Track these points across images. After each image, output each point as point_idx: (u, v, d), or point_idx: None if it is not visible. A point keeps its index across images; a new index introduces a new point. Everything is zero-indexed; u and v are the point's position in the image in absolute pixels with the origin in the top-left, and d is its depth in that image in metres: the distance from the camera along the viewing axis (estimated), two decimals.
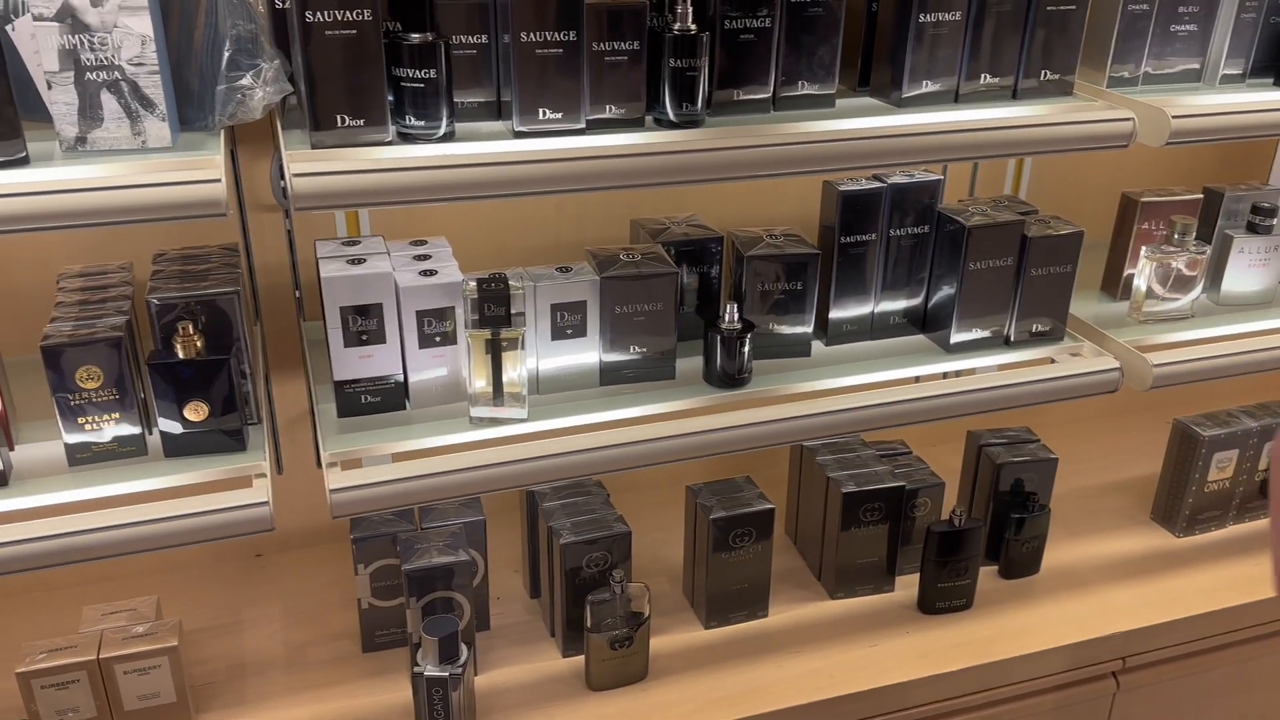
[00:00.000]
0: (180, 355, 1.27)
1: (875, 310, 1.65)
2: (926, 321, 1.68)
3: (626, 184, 1.29)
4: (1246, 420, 1.93)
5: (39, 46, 1.16)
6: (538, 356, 1.47)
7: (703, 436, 1.46)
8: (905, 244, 1.62)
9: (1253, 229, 1.79)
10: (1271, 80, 1.69)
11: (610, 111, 1.35)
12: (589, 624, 1.56)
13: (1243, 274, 1.82)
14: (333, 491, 1.30)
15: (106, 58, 1.17)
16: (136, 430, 1.31)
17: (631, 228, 1.70)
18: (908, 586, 1.82)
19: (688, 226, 1.64)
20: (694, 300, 1.62)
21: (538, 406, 1.46)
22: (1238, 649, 1.86)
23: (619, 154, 1.28)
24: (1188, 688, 1.87)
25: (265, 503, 1.26)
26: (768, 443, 1.50)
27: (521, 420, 1.42)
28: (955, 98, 1.52)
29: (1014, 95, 1.54)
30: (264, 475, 1.31)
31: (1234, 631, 1.84)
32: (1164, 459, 1.98)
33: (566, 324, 1.46)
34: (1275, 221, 1.79)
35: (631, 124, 1.36)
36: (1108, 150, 1.51)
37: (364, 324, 1.38)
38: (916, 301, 1.66)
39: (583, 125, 1.33)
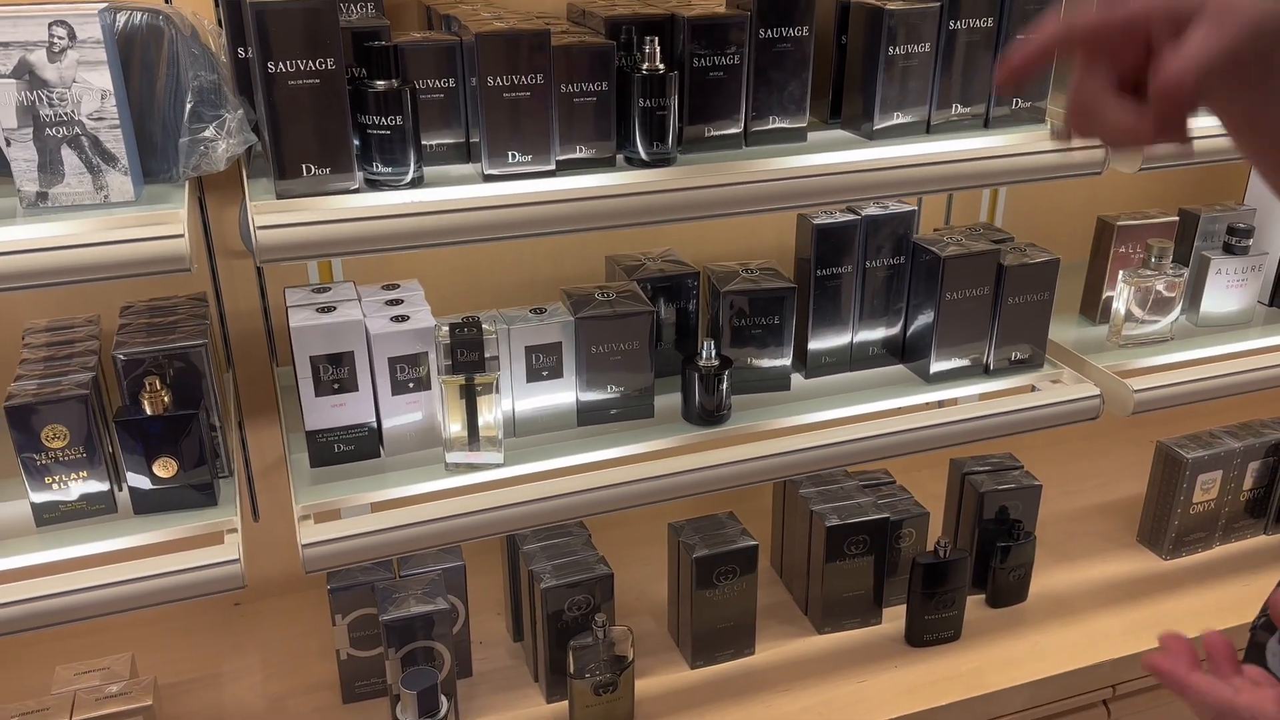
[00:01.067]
0: (148, 411, 1.25)
1: (854, 341, 1.64)
2: (905, 351, 1.67)
3: (599, 226, 1.28)
4: (1229, 441, 1.92)
5: None
6: (513, 399, 1.46)
7: (683, 476, 1.44)
8: (881, 275, 1.61)
9: (1229, 250, 1.79)
10: None
11: (580, 152, 1.34)
12: (571, 670, 1.54)
13: (1221, 294, 1.82)
14: (305, 546, 1.27)
15: (66, 113, 1.15)
16: (105, 487, 1.29)
17: (607, 264, 1.69)
18: (895, 618, 1.80)
19: (663, 262, 1.63)
20: (671, 335, 1.61)
21: (515, 450, 1.44)
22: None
23: (590, 196, 1.27)
24: (1180, 714, 1.85)
25: (236, 560, 1.24)
26: (749, 480, 1.48)
27: (498, 465, 1.40)
28: (927, 128, 1.51)
29: (986, 124, 1.54)
30: (235, 530, 1.29)
31: None
32: (1148, 481, 1.97)
33: (542, 366, 1.45)
34: (1251, 242, 1.79)
35: (602, 164, 1.35)
36: (1079, 179, 1.51)
37: (335, 372, 1.36)
38: (895, 331, 1.65)
39: (553, 167, 1.32)
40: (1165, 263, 1.71)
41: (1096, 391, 1.60)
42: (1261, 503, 2.00)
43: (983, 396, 1.63)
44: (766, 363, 1.57)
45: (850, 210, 1.59)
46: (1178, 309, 1.75)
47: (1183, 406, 1.67)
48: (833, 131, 1.53)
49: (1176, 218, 1.81)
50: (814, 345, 1.62)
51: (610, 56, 1.31)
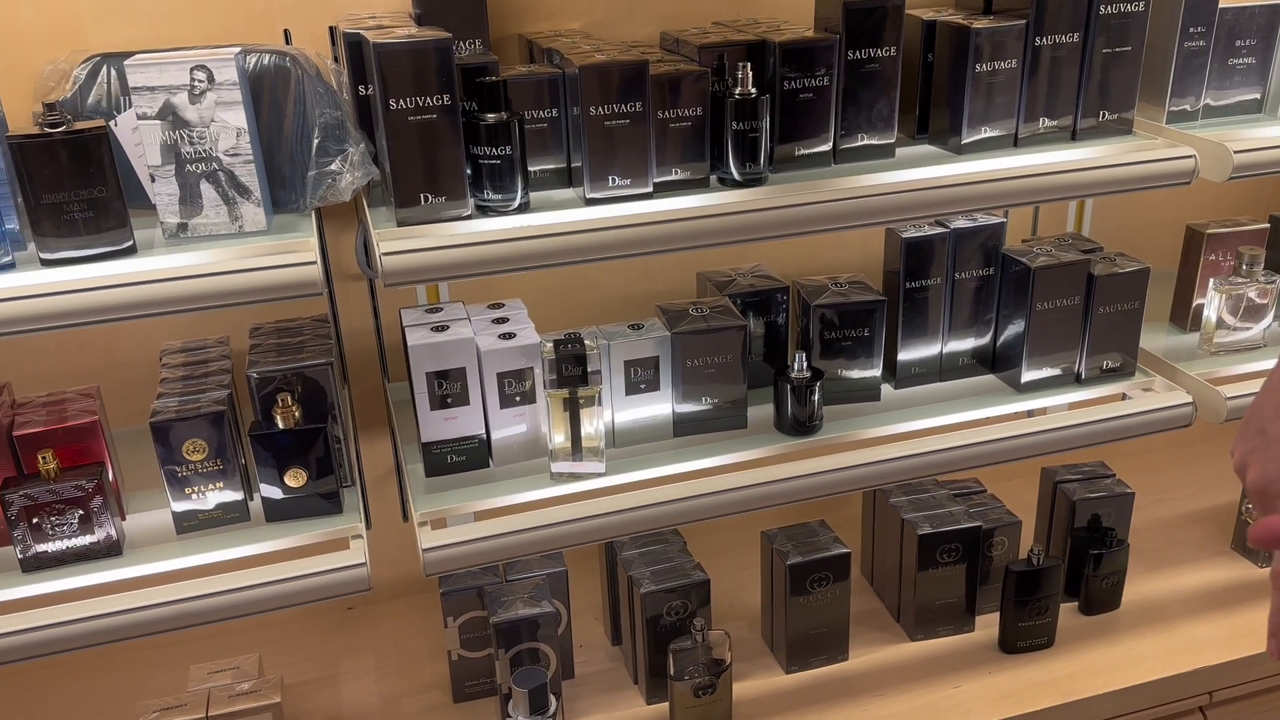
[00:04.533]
0: (280, 425, 1.34)
1: (943, 352, 1.67)
2: (996, 361, 1.69)
3: (695, 245, 1.34)
4: None
5: (142, 141, 1.24)
6: (613, 411, 1.52)
7: (777, 485, 1.49)
8: (970, 286, 1.64)
9: None
10: None
11: (676, 174, 1.40)
12: (672, 672, 1.59)
13: None
14: (425, 551, 1.35)
15: (205, 150, 1.25)
16: (239, 497, 1.38)
17: (698, 280, 1.75)
18: (988, 626, 1.82)
19: (753, 277, 1.68)
20: (762, 349, 1.66)
21: (615, 460, 1.50)
22: None
23: (687, 217, 1.33)
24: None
25: (363, 564, 1.32)
26: (840, 489, 1.52)
27: (600, 474, 1.47)
28: (1014, 142, 1.54)
29: (1073, 136, 1.57)
30: (360, 536, 1.37)
31: None
32: (1242, 490, 1.95)
33: (640, 379, 1.51)
34: None
35: (697, 185, 1.41)
36: (1171, 188, 1.52)
37: (448, 387, 1.44)
38: (984, 342, 1.68)
39: (650, 189, 1.38)
40: (1257, 270, 1.71)
41: (1189, 399, 1.61)
42: None
43: (1072, 406, 1.65)
44: (856, 374, 1.61)
45: (939, 224, 1.63)
46: (1270, 316, 1.74)
47: None
48: (920, 147, 1.57)
49: (1268, 225, 1.80)
50: (904, 356, 1.65)
51: (705, 83, 1.37)
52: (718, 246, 1.36)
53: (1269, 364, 1.74)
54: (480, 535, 1.38)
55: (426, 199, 1.29)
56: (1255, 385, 1.65)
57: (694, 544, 1.76)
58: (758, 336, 1.65)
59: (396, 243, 1.23)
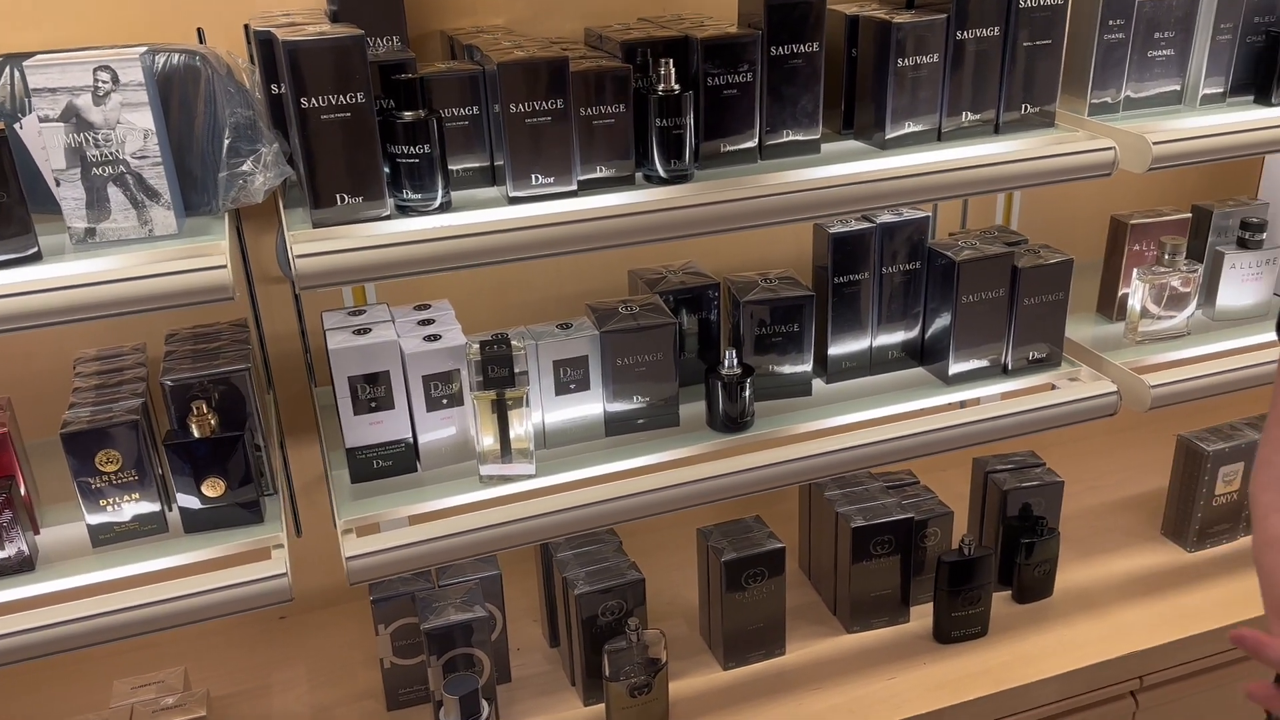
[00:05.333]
0: (196, 434, 1.31)
1: (873, 346, 1.68)
2: (925, 354, 1.70)
3: (621, 243, 1.33)
4: (1250, 433, 1.94)
5: (46, 144, 1.20)
6: (543, 411, 1.51)
7: (709, 483, 1.48)
8: (898, 280, 1.65)
9: (1243, 244, 1.82)
10: (1251, 98, 1.72)
11: (601, 171, 1.39)
12: (607, 673, 1.58)
13: (1236, 289, 1.84)
14: (349, 559, 1.33)
15: (111, 153, 1.21)
16: (156, 508, 1.35)
17: (630, 278, 1.74)
18: (923, 616, 1.84)
19: (684, 275, 1.67)
20: (694, 345, 1.65)
21: (546, 461, 1.48)
22: (1256, 662, 1.86)
23: (612, 215, 1.32)
24: (1207, 703, 1.88)
25: (284, 574, 1.29)
26: (774, 485, 1.52)
27: (530, 476, 1.45)
28: (938, 136, 1.55)
29: (996, 130, 1.58)
30: (281, 546, 1.34)
31: None
32: (1171, 475, 1.99)
33: (569, 379, 1.49)
34: (1265, 236, 1.81)
35: (622, 182, 1.40)
36: (1092, 180, 1.54)
37: (372, 391, 1.41)
38: (913, 335, 1.69)
39: (574, 187, 1.37)
40: (1179, 260, 1.74)
41: (1114, 388, 1.63)
42: None
43: (1004, 396, 1.66)
44: (788, 369, 1.61)
45: (865, 219, 1.63)
46: (1193, 304, 1.78)
47: (1202, 400, 1.70)
48: (846, 142, 1.57)
49: (1189, 214, 1.83)
50: (834, 350, 1.66)
51: (627, 80, 1.36)
52: (644, 244, 1.35)
53: (1192, 352, 1.77)
54: (406, 541, 1.36)
55: (343, 199, 1.26)
56: (1179, 373, 1.68)
57: (630, 543, 1.76)
58: (690, 334, 1.64)
59: (311, 244, 1.20)
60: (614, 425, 1.54)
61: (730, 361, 1.53)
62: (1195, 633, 1.80)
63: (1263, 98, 1.70)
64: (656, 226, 1.34)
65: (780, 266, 1.69)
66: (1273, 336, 1.80)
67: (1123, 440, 2.33)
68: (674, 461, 1.51)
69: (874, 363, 1.69)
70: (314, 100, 1.21)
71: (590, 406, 1.52)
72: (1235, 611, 1.83)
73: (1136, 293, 1.75)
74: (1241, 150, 1.61)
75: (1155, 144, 1.52)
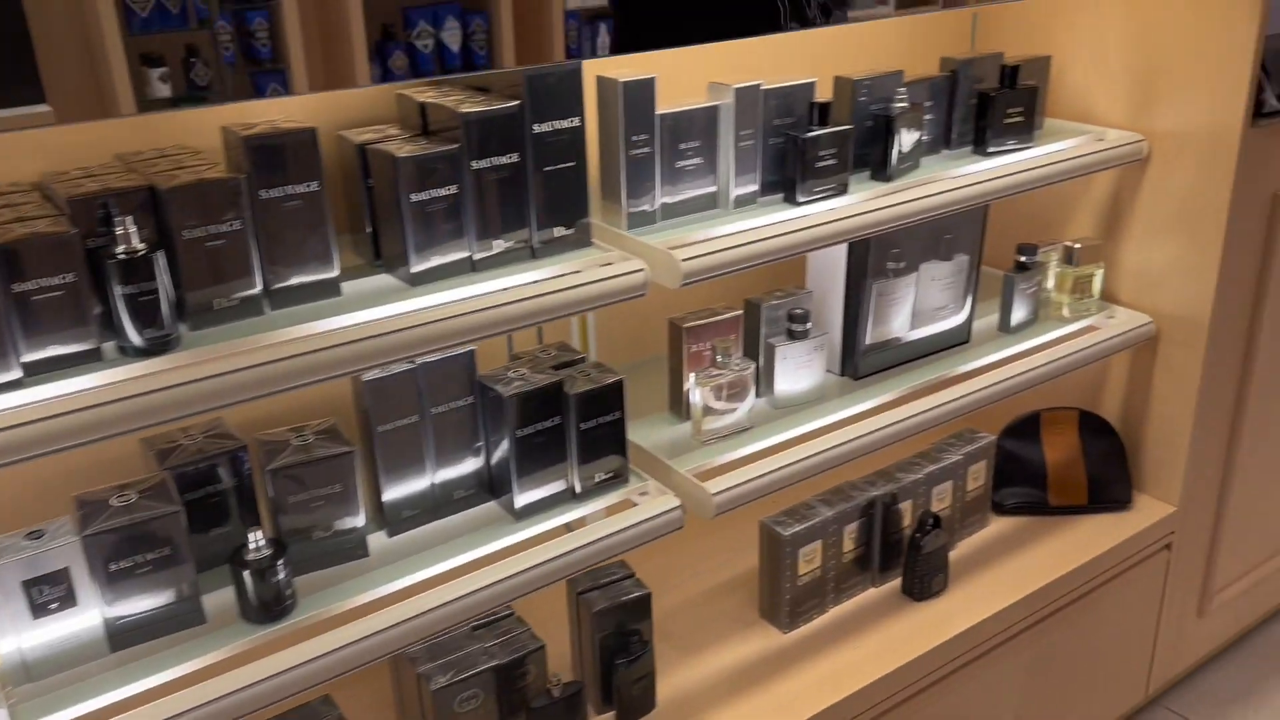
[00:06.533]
0: None
1: (435, 486, 1.55)
2: (495, 486, 1.60)
3: (79, 443, 1.11)
4: (823, 509, 2.01)
5: None
6: (18, 639, 1.24)
7: (248, 692, 1.29)
8: (451, 418, 1.53)
9: (792, 335, 1.87)
10: (782, 196, 1.78)
11: (55, 349, 1.16)
12: None
13: (791, 376, 1.90)
14: None
15: None
16: None
17: (142, 447, 1.50)
18: None
19: (205, 438, 1.46)
20: (225, 518, 1.45)
21: (31, 701, 1.22)
22: None
23: (65, 411, 1.10)
24: None
25: None
26: (331, 676, 1.35)
27: None
28: (472, 266, 1.46)
29: (533, 254, 1.51)
30: None
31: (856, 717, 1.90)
32: (759, 558, 2.02)
33: (49, 598, 1.24)
34: (809, 325, 1.88)
35: (85, 359, 1.18)
36: (629, 301, 1.51)
37: None
38: (479, 467, 1.58)
39: (18, 374, 1.13)
40: (731, 360, 1.76)
41: (677, 503, 1.61)
42: (864, 559, 2.11)
43: (569, 527, 1.59)
44: (335, 532, 1.45)
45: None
46: (750, 397, 1.80)
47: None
48: (376, 277, 1.45)
49: (740, 311, 1.87)
50: (390, 497, 1.52)
51: (73, 246, 1.15)
52: (118, 437, 1.14)
53: (757, 446, 1.79)
54: None
55: None
56: (744, 473, 1.69)
57: None
58: (214, 506, 1.43)
59: None
60: (121, 638, 1.30)
61: (256, 541, 1.34)
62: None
63: (790, 196, 1.77)
64: (132, 414, 1.15)
65: (322, 414, 1.52)
66: (826, 422, 1.87)
67: (717, 523, 2.35)
68: (202, 671, 1.30)
69: (439, 504, 1.56)
70: None
71: (84, 621, 1.28)
72: (829, 693, 1.87)
73: (696, 395, 1.75)
74: (769, 256, 1.65)
75: (684, 260, 1.52)
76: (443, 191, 1.40)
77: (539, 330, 1.79)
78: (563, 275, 1.47)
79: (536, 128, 1.44)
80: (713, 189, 1.73)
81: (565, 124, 1.46)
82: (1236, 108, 2.00)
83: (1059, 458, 2.36)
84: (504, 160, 1.43)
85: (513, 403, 1.49)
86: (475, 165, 1.41)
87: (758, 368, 1.87)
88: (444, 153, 1.38)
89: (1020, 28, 2.30)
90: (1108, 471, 2.35)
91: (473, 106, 1.40)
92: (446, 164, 1.39)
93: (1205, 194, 2.09)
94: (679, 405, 1.87)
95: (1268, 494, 2.57)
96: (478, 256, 1.46)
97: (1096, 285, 2.23)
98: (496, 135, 1.41)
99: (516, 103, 1.42)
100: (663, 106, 1.62)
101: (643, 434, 1.80)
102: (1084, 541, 2.27)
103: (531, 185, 1.47)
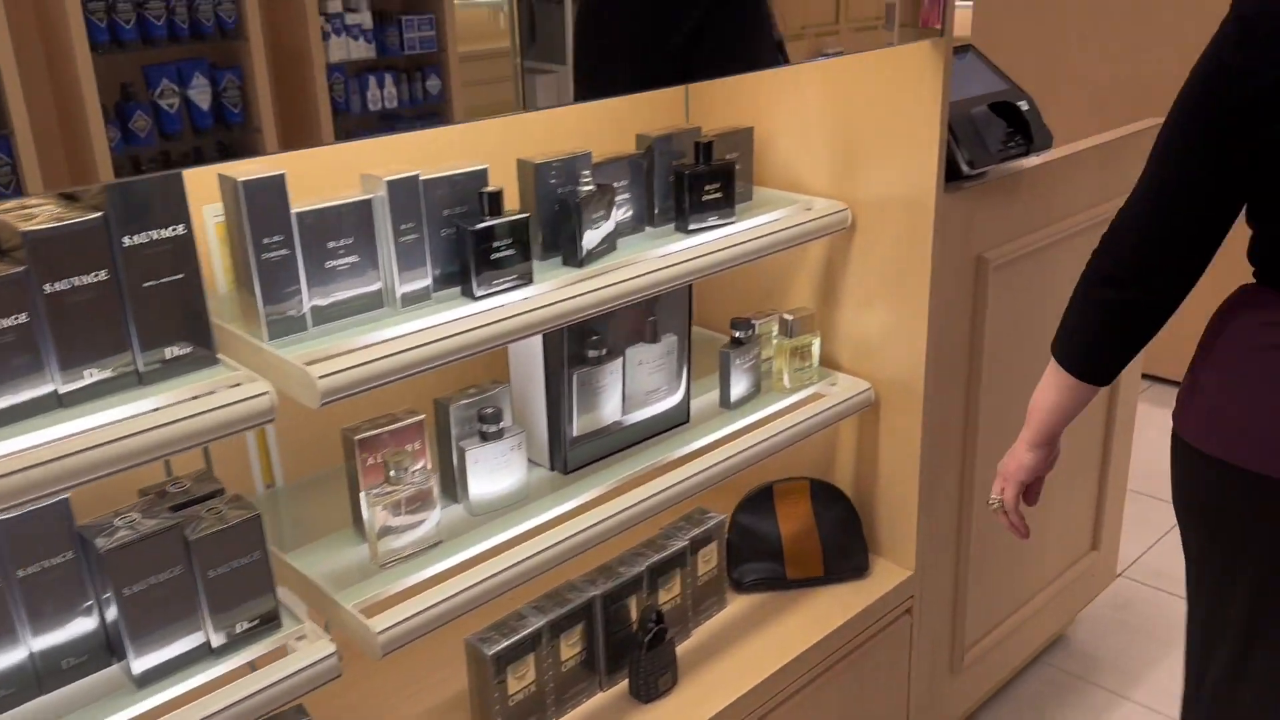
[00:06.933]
0: None
1: (35, 656, 1.32)
2: (115, 647, 1.38)
3: None
4: (535, 618, 1.87)
5: None
6: None
7: None
8: (46, 579, 1.31)
9: (484, 437, 1.73)
10: (459, 289, 1.65)
11: None
12: None
13: (488, 479, 1.75)
14: None
15: None
16: None
17: None
18: None
19: None
20: None
21: None
22: None
23: None
24: None
25: None
26: None
27: None
28: (58, 401, 1.25)
29: (140, 381, 1.32)
30: None
31: None
32: (468, 681, 1.86)
33: None
34: (504, 424, 1.75)
35: None
36: (251, 429, 1.33)
37: None
38: (92, 629, 1.36)
39: None
40: (406, 474, 1.60)
41: (331, 649, 1.43)
42: (589, 661, 1.98)
43: (203, 688, 1.39)
44: None
45: None
46: (436, 510, 1.65)
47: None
48: None
49: (422, 416, 1.71)
50: None
51: None
52: None
53: (450, 563, 1.63)
54: None
55: None
56: (423, 600, 1.53)
57: None
58: None
59: None
60: None
61: None
62: None
63: (466, 290, 1.63)
64: None
65: None
66: (533, 524, 1.74)
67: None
68: None
69: (43, 676, 1.33)
70: None
71: None
72: None
73: (369, 516, 1.58)
74: (441, 359, 1.51)
75: (321, 378, 1.36)
76: (7, 322, 1.19)
77: (166, 462, 1.59)
78: (172, 405, 1.28)
79: (128, 240, 1.25)
80: (376, 286, 1.57)
81: (167, 233, 1.28)
82: (929, 173, 2.00)
83: (793, 529, 2.31)
84: (88, 279, 1.24)
85: (113, 558, 1.28)
86: (50, 288, 1.21)
87: (453, 472, 1.73)
88: (6, 277, 1.18)
89: (734, 99, 2.26)
90: (843, 540, 2.32)
91: (41, 223, 1.20)
92: (11, 289, 1.18)
93: (908, 259, 2.08)
94: (361, 523, 1.69)
95: (1008, 547, 2.60)
96: (64, 390, 1.25)
97: (815, 354, 2.19)
98: (75, 252, 1.22)
99: (99, 214, 1.23)
100: (312, 201, 1.46)
101: (320, 559, 1.62)
102: (821, 615, 2.22)
103: (129, 303, 1.28)
